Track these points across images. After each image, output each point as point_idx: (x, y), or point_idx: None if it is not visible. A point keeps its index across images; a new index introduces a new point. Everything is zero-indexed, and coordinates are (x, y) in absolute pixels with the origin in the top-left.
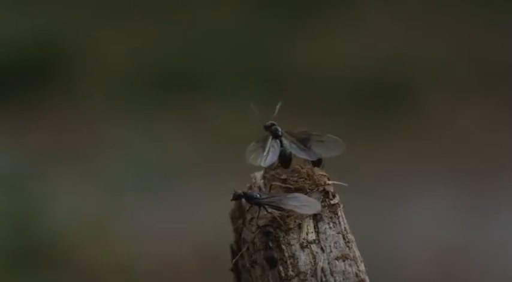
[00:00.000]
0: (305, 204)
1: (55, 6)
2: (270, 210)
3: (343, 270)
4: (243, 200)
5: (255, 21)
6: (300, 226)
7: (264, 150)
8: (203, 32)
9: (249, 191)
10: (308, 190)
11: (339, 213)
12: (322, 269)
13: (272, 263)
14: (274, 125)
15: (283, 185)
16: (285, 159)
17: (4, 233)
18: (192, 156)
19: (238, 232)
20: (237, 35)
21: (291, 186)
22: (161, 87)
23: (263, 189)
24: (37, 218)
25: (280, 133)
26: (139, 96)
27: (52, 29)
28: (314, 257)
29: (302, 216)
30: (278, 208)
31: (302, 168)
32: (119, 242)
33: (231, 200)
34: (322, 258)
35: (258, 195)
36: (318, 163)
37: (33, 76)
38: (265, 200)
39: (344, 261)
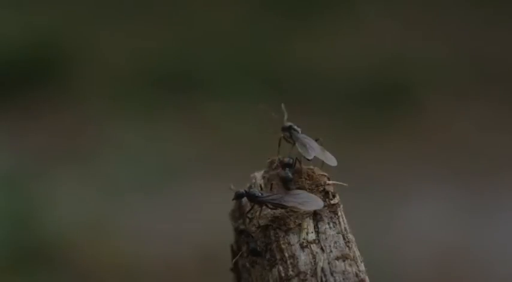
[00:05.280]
0: (307, 200)
1: (55, 6)
2: (271, 207)
3: (343, 270)
4: (244, 199)
5: (255, 21)
6: (300, 226)
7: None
8: (203, 32)
9: (251, 190)
10: (308, 190)
11: (339, 213)
12: (322, 269)
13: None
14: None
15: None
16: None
17: (4, 233)
18: (192, 156)
19: (238, 232)
20: (237, 35)
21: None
22: (161, 87)
23: (264, 188)
24: (37, 218)
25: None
26: (139, 96)
27: (52, 29)
28: (314, 257)
29: (302, 216)
30: (280, 206)
31: (302, 167)
32: (118, 242)
33: (233, 199)
34: (322, 258)
35: (260, 194)
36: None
37: (33, 76)
38: (267, 198)
39: (344, 261)
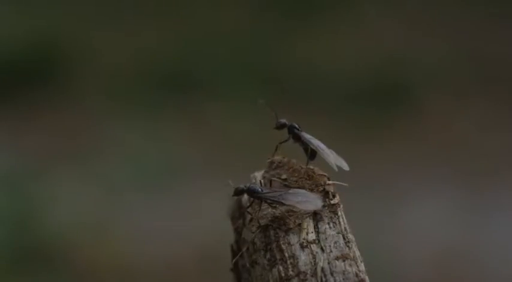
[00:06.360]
0: (306, 200)
1: (55, 6)
2: (270, 203)
3: (343, 270)
4: (243, 199)
5: (255, 21)
6: (300, 226)
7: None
8: (203, 32)
9: (251, 186)
10: (308, 190)
11: (339, 213)
12: (322, 269)
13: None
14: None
15: (283, 182)
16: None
17: (4, 233)
18: (192, 157)
19: (238, 232)
20: (237, 35)
21: (292, 186)
22: (161, 87)
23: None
24: (37, 218)
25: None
26: (140, 96)
27: (52, 29)
28: (314, 257)
29: (302, 216)
30: (279, 203)
31: (302, 168)
32: (119, 242)
33: (233, 195)
34: (322, 258)
35: (260, 190)
36: (312, 156)
37: (33, 76)
38: (267, 194)
39: (344, 261)
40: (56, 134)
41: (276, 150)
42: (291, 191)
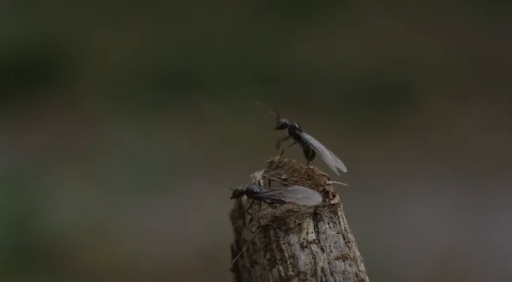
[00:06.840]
0: (306, 196)
1: (55, 6)
2: (270, 203)
3: (343, 270)
4: (243, 199)
5: (255, 21)
6: (300, 226)
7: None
8: (203, 32)
9: (249, 186)
10: None
11: (339, 213)
12: (322, 269)
13: None
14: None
15: (283, 182)
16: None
17: (4, 233)
18: (192, 157)
19: (238, 232)
20: (237, 35)
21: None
22: (161, 87)
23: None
24: (37, 218)
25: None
26: (140, 96)
27: (52, 29)
28: (314, 257)
29: (302, 216)
30: (279, 201)
31: (302, 168)
32: (119, 242)
33: (231, 197)
34: (322, 258)
35: (259, 190)
36: (312, 156)
37: (33, 76)
38: (266, 194)
39: (344, 261)
40: (56, 134)
41: (277, 148)
42: (290, 188)
